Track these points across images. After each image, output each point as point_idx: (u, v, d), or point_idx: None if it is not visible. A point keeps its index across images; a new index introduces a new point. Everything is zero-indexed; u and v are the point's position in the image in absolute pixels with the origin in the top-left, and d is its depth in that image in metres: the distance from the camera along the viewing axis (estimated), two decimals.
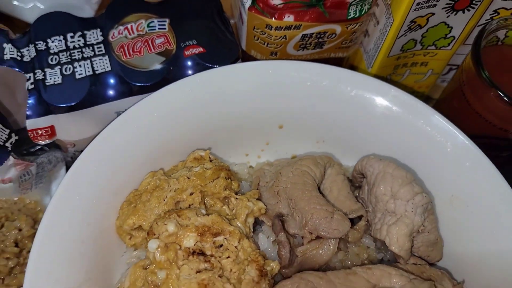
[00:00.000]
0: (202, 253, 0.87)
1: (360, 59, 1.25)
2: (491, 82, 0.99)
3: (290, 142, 1.16)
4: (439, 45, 1.17)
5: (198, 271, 0.84)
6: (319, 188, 1.03)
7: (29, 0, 1.43)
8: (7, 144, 1.02)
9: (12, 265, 1.07)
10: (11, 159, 1.02)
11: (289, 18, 1.03)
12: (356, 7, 1.04)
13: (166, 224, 0.88)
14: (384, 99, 1.04)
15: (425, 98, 1.35)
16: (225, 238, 0.89)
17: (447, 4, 1.03)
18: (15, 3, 1.45)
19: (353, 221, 0.99)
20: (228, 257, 0.87)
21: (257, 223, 1.00)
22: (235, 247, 0.88)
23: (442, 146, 1.01)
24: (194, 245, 0.88)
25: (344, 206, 0.99)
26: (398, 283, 0.86)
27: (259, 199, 1.00)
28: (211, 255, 0.87)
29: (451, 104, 1.14)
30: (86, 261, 0.90)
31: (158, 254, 0.86)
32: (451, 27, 1.11)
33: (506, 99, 0.98)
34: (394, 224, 0.92)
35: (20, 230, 1.11)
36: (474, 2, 1.03)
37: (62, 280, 0.84)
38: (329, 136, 1.13)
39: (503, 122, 1.03)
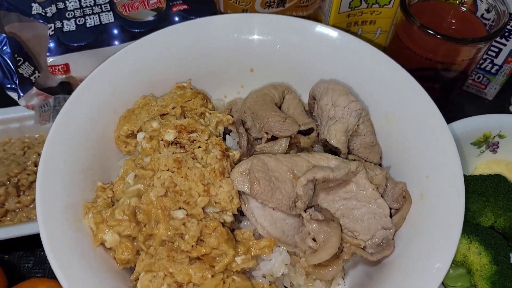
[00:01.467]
0: (179, 143, 1.11)
1: (320, 20, 1.51)
2: (415, 19, 1.23)
3: (261, 84, 1.40)
4: (382, 3, 1.42)
5: (175, 153, 1.08)
6: (279, 108, 1.26)
7: None
8: (32, 78, 1.29)
9: (31, 180, 1.32)
10: (34, 89, 1.29)
11: None
12: None
13: (151, 122, 1.13)
14: (329, 38, 1.28)
15: None
16: (198, 134, 1.12)
17: None
18: None
19: (306, 134, 1.22)
20: (199, 147, 1.11)
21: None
22: (206, 140, 1.11)
23: (378, 72, 1.24)
24: (173, 139, 1.12)
25: (298, 120, 1.22)
26: (333, 163, 1.08)
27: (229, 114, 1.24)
28: (186, 145, 1.10)
29: (391, 47, 1.39)
30: (89, 154, 1.14)
31: (144, 143, 1.10)
32: None
33: (428, 30, 1.22)
34: (333, 124, 1.14)
35: (39, 154, 1.37)
36: None
37: (68, 161, 1.08)
38: (291, 77, 1.38)
39: (427, 52, 1.26)
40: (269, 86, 1.28)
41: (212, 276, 0.99)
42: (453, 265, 1.18)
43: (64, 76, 1.31)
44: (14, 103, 1.36)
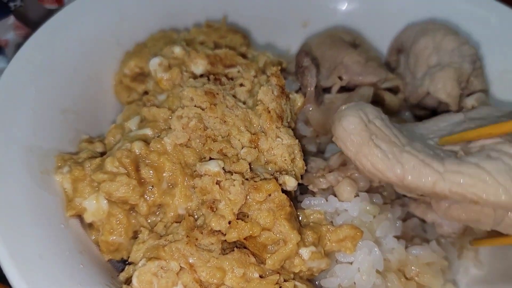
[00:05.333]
0: (213, 75, 0.73)
1: None
2: None
3: None
4: None
5: (206, 84, 0.70)
6: None
7: None
8: (11, 4, 0.94)
9: None
10: (12, 19, 0.94)
11: None
12: None
13: (172, 47, 0.76)
14: None
15: None
16: (241, 69, 0.75)
17: None
18: None
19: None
20: (242, 85, 0.73)
21: None
22: (253, 77, 0.74)
23: (485, 20, 0.90)
24: (204, 73, 0.75)
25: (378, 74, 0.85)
26: None
27: None
28: (224, 83, 0.73)
29: None
30: (76, 92, 0.77)
31: (161, 71, 0.73)
32: None
33: None
34: (440, 70, 0.78)
35: None
36: None
37: (44, 91, 0.70)
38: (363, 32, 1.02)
39: None
40: (336, 29, 0.93)
41: (261, 276, 0.58)
42: None
43: (55, 6, 0.96)
44: None
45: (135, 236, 0.63)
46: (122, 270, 0.62)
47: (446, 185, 0.60)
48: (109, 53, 0.84)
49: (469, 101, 0.74)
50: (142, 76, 0.82)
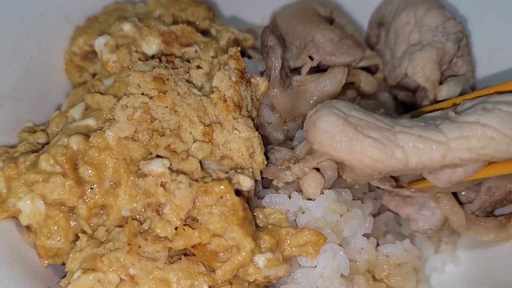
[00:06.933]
0: (165, 57, 0.66)
1: None
2: None
3: None
4: None
5: (156, 68, 0.62)
6: None
7: None
8: None
9: None
10: None
11: None
12: None
13: (121, 24, 0.68)
14: None
15: None
16: (198, 49, 0.68)
17: None
18: None
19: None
20: (199, 67, 0.65)
21: None
22: (211, 58, 0.66)
23: None
24: (156, 53, 0.67)
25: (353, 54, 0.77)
26: None
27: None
28: (178, 62, 0.65)
29: None
30: (16, 75, 0.70)
31: (107, 52, 0.65)
32: None
33: None
34: (419, 50, 0.70)
35: None
36: None
37: None
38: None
39: None
40: (311, 0, 0.84)
41: (211, 287, 0.53)
42: None
43: None
44: None
45: (76, 239, 0.57)
46: (66, 274, 0.57)
47: (455, 154, 0.54)
48: (56, 29, 0.76)
49: (443, 91, 0.67)
50: (93, 54, 0.74)
